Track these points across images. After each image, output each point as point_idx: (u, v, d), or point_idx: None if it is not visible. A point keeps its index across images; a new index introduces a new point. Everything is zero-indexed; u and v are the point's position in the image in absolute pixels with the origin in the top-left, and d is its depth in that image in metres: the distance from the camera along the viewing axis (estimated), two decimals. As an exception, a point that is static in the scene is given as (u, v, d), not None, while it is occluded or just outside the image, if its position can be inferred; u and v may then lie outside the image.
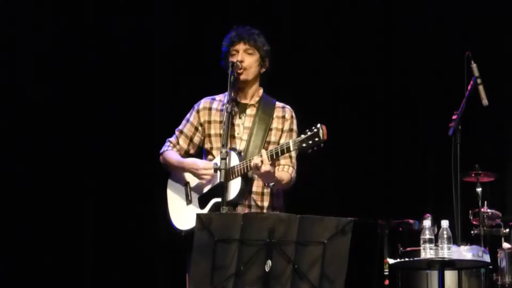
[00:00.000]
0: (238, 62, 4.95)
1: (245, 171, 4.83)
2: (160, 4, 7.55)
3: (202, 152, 5.16)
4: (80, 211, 7.20)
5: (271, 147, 4.98)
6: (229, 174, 4.74)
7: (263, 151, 4.77)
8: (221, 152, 4.66)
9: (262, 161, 4.71)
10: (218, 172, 4.64)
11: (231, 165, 4.80)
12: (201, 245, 4.03)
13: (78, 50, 7.31)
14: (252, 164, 4.75)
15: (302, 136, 4.68)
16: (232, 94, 5.01)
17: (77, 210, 7.19)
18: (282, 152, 4.75)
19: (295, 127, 5.10)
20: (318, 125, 4.65)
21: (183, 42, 7.49)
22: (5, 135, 7.11)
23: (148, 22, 7.47)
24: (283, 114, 5.10)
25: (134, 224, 7.18)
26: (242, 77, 5.00)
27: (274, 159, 4.79)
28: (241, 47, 5.03)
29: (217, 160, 4.81)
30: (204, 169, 4.93)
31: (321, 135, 4.62)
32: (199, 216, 4.06)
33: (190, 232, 4.92)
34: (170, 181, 5.15)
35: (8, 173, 7.10)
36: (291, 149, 4.71)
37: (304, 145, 4.66)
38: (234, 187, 4.83)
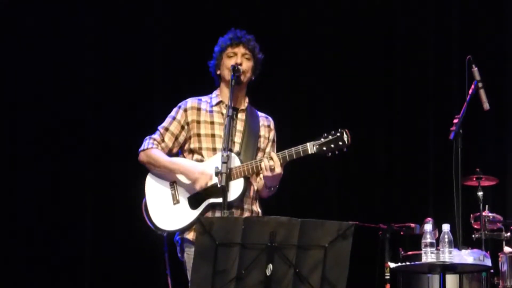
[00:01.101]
0: (238, 66, 4.93)
1: (250, 172, 4.81)
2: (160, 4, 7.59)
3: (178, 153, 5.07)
4: (80, 208, 7.21)
5: (260, 154, 5.00)
6: (229, 175, 4.71)
7: (273, 154, 4.78)
8: (222, 155, 4.64)
9: (274, 163, 4.72)
10: (219, 176, 4.61)
11: (232, 165, 4.77)
12: (202, 249, 4.02)
13: (77, 50, 7.33)
14: (263, 165, 4.74)
15: (322, 139, 4.71)
16: (221, 97, 5.02)
17: (77, 208, 7.20)
18: (298, 155, 4.75)
19: (275, 138, 5.14)
20: (340, 129, 4.71)
21: (182, 43, 7.51)
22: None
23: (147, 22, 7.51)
24: (268, 124, 5.12)
25: (133, 223, 7.18)
26: (239, 79, 4.95)
27: (286, 161, 4.79)
28: (240, 50, 5.00)
29: (214, 162, 4.79)
30: (202, 174, 4.85)
31: (345, 139, 4.70)
32: (200, 220, 4.05)
33: (174, 232, 4.92)
34: (150, 178, 5.03)
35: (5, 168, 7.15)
36: (309, 151, 4.72)
37: (324, 148, 4.71)
38: (236, 188, 4.81)
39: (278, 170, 4.74)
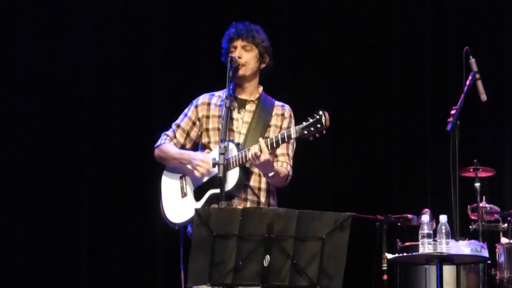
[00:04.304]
0: (236, 57, 4.97)
1: (244, 161, 4.83)
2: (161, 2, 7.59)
3: (198, 148, 5.15)
4: (77, 205, 7.21)
5: None
6: (226, 164, 4.74)
7: (261, 140, 4.78)
8: (219, 146, 4.66)
9: (261, 150, 4.71)
10: (217, 166, 4.64)
11: (230, 156, 4.81)
12: (199, 240, 4.03)
13: (78, 50, 7.33)
14: (251, 152, 4.75)
15: (304, 123, 4.71)
16: (232, 90, 5.03)
17: (75, 204, 7.19)
18: (283, 140, 4.77)
19: (293, 126, 5.09)
20: (320, 112, 4.69)
21: (183, 40, 7.51)
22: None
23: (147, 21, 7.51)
24: (282, 112, 5.11)
25: (131, 218, 7.19)
26: (239, 72, 5.02)
27: (274, 148, 4.82)
28: (239, 43, 5.05)
29: (215, 154, 4.81)
30: (202, 161, 4.93)
31: (323, 121, 4.66)
32: (197, 211, 4.06)
33: (184, 225, 4.96)
34: (164, 175, 5.14)
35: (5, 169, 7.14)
36: (292, 136, 4.73)
37: (305, 132, 4.69)
38: (232, 177, 4.83)
39: (265, 156, 4.73)
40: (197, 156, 4.98)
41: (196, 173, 4.94)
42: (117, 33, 7.41)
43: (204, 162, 4.92)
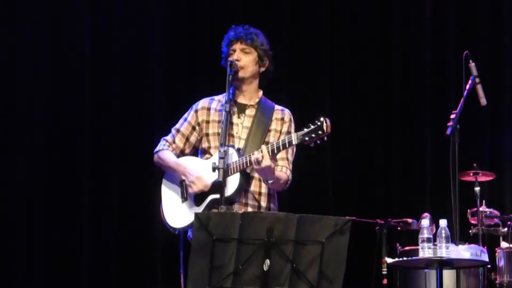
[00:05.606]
0: (235, 61, 4.97)
1: (244, 166, 4.82)
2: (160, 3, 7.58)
3: (198, 153, 5.15)
4: (77, 206, 7.20)
5: None
6: (227, 170, 4.74)
7: (263, 146, 4.76)
8: (219, 151, 4.66)
9: (262, 156, 4.71)
10: (217, 171, 4.64)
11: (230, 161, 4.80)
12: (199, 244, 4.03)
13: (79, 50, 7.34)
14: (252, 158, 4.74)
15: (305, 129, 4.70)
16: (232, 94, 5.03)
17: (75, 205, 7.19)
18: (284, 146, 4.75)
19: (293, 130, 5.09)
20: (322, 118, 4.68)
21: (182, 42, 7.51)
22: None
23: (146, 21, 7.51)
24: (282, 117, 5.10)
25: (131, 222, 7.18)
26: (238, 75, 5.00)
27: (275, 154, 4.80)
28: (238, 46, 5.05)
29: (215, 159, 4.80)
30: (197, 179, 4.91)
31: (324, 128, 4.65)
32: (197, 215, 4.06)
33: (184, 229, 4.95)
34: (165, 179, 5.13)
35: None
36: (294, 142, 4.72)
37: (307, 138, 4.69)
38: (232, 183, 4.83)
39: (266, 162, 4.72)
40: (193, 173, 4.95)
41: (189, 190, 4.94)
42: (117, 32, 7.40)
43: (199, 181, 4.90)
